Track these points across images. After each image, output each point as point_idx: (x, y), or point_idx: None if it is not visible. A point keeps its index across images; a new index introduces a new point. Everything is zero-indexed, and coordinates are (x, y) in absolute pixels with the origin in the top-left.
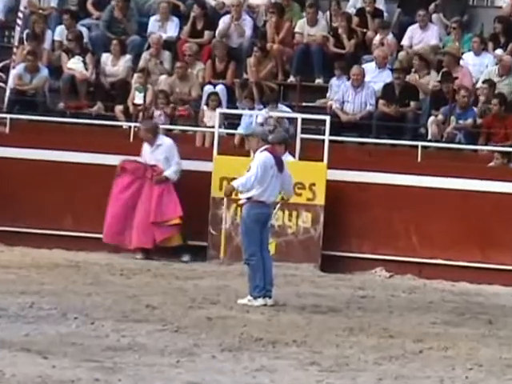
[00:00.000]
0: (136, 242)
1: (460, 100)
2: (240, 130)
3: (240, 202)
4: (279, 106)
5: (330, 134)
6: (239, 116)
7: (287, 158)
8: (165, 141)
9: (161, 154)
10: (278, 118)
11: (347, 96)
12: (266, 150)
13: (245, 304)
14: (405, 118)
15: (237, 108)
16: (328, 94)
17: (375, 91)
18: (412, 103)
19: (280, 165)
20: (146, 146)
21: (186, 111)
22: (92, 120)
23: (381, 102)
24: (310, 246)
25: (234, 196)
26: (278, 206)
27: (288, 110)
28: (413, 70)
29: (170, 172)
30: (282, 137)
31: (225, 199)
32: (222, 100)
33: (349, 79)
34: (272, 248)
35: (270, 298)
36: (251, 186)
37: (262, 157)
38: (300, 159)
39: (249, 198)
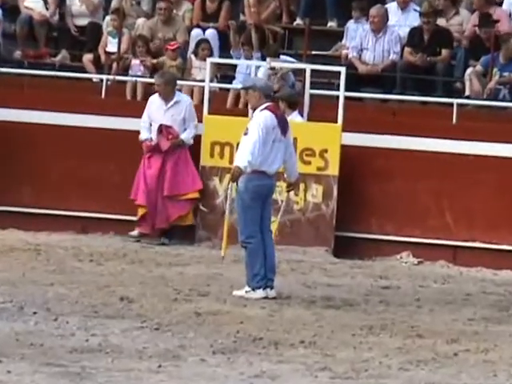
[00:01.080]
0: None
1: (504, 48)
2: (236, 84)
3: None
4: (282, 56)
5: (346, 90)
6: (234, 67)
7: (296, 118)
8: (183, 97)
9: (178, 114)
10: (282, 70)
11: (366, 43)
12: (266, 108)
13: (241, 296)
14: (436, 69)
15: (231, 57)
16: (343, 41)
17: (400, 37)
18: (444, 51)
19: (284, 127)
20: (155, 103)
21: (176, 45)
22: (55, 72)
23: (406, 50)
24: (321, 225)
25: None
26: (286, 196)
27: (293, 60)
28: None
29: (186, 135)
30: (288, 93)
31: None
32: (214, 48)
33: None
34: (274, 228)
35: (271, 288)
36: (257, 157)
37: (262, 117)
38: (309, 120)
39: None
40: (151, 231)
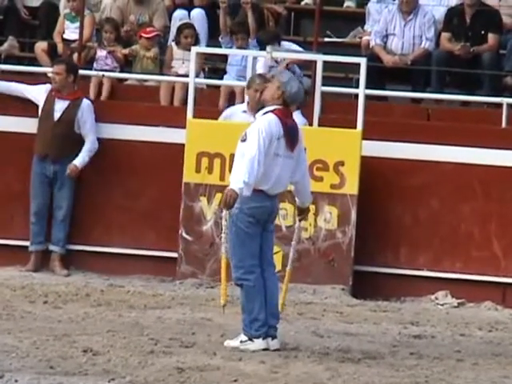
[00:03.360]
0: None
1: None
2: (228, 80)
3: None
4: (285, 43)
5: (368, 86)
6: (225, 58)
7: (295, 118)
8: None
9: None
10: (287, 62)
11: (393, 27)
12: (273, 111)
13: (236, 348)
14: (480, 60)
15: (221, 46)
16: (365, 26)
17: (435, 20)
18: (491, 37)
19: (293, 139)
20: (236, 116)
21: (153, 33)
22: (0, 64)
23: (443, 35)
24: (336, 257)
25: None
26: (297, 232)
27: (301, 49)
28: None
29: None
30: (299, 94)
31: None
32: (201, 34)
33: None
34: (278, 261)
35: (273, 338)
36: (257, 175)
37: (265, 122)
38: (320, 125)
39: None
40: None
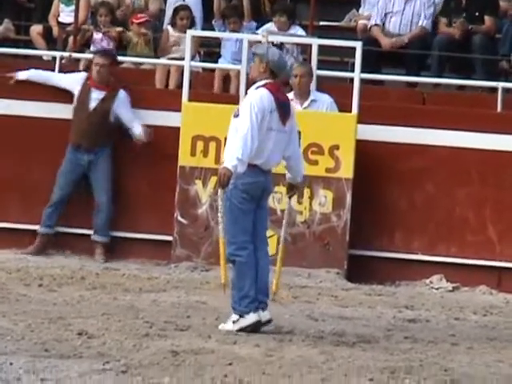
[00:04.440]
0: None
1: None
2: (223, 64)
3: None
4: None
5: (363, 70)
6: (219, 41)
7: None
8: (321, 96)
9: None
10: (283, 44)
11: (392, 5)
12: (265, 86)
13: (229, 331)
14: (473, 44)
15: (215, 30)
16: (360, 10)
17: (435, 1)
18: (487, 19)
19: (285, 113)
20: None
21: (143, 18)
22: None
23: (441, 20)
24: (331, 241)
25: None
26: (288, 208)
27: (301, 31)
28: None
29: None
30: (283, 60)
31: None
32: (196, 17)
33: None
34: (272, 245)
35: (264, 309)
36: (251, 151)
37: (257, 96)
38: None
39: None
40: None
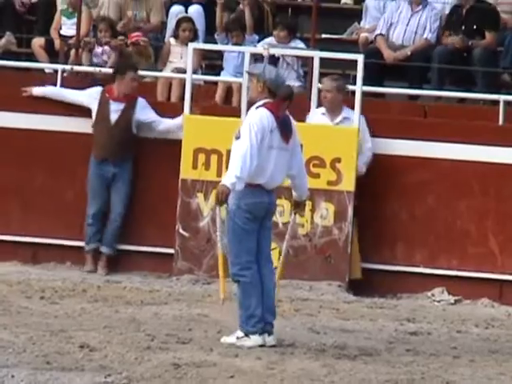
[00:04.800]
0: None
1: None
2: (225, 76)
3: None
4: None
5: (365, 83)
6: (221, 55)
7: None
8: (352, 113)
9: None
10: (284, 58)
11: (398, 15)
12: (264, 105)
13: (232, 344)
14: (473, 57)
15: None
16: (362, 22)
17: (441, 15)
18: (487, 34)
19: (286, 131)
20: (315, 119)
21: (139, 38)
22: None
23: (444, 33)
24: (333, 254)
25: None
26: (292, 220)
27: (302, 45)
28: None
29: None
30: (288, 90)
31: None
32: (199, 29)
33: None
34: (274, 258)
35: (270, 334)
36: (250, 169)
37: (257, 116)
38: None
39: None
40: None
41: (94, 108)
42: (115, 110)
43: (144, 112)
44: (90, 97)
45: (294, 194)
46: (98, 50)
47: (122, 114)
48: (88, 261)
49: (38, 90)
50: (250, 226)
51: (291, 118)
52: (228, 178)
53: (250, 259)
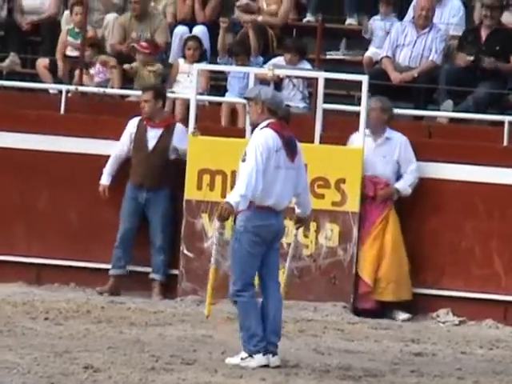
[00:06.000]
0: None
1: None
2: (230, 97)
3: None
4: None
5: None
6: (226, 76)
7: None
8: (395, 135)
9: (390, 155)
10: (289, 78)
11: (404, 37)
12: (269, 125)
13: (236, 365)
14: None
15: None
16: (370, 46)
17: (447, 37)
18: None
19: (292, 150)
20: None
21: (148, 47)
22: (2, 80)
23: (460, 56)
24: (337, 275)
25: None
26: (294, 239)
27: (308, 66)
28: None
29: (402, 184)
30: (286, 111)
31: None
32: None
33: (401, 19)
34: (282, 280)
35: (274, 355)
36: (255, 189)
37: (261, 137)
38: (322, 142)
39: None
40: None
41: (133, 135)
42: (153, 136)
43: (181, 140)
44: (127, 134)
45: (297, 210)
46: (94, 70)
47: (160, 141)
48: (108, 283)
49: (104, 179)
50: (256, 250)
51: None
52: (232, 196)
53: (250, 282)
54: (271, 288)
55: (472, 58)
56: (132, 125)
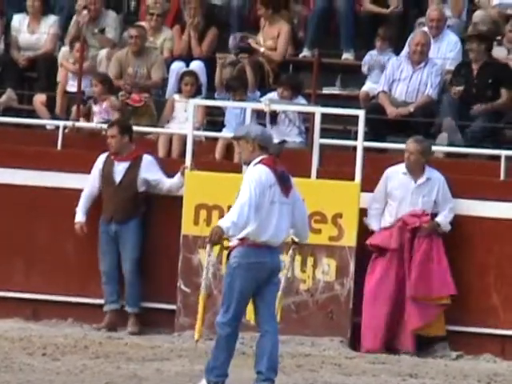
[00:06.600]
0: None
1: None
2: (226, 133)
3: (230, 243)
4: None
5: (367, 138)
6: (223, 112)
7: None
8: (434, 174)
9: (429, 195)
10: (285, 113)
11: (399, 73)
12: (261, 161)
13: None
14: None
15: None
16: (367, 81)
17: (442, 71)
18: (503, 92)
19: (286, 185)
20: (396, 178)
21: (140, 99)
22: None
23: (453, 90)
24: (335, 309)
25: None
26: (290, 260)
27: (304, 101)
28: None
29: (443, 218)
30: (277, 147)
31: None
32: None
33: (397, 54)
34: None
35: None
36: (246, 220)
37: (255, 173)
38: (318, 177)
39: (241, 239)
40: (380, 347)
41: (100, 171)
42: (120, 170)
43: (150, 170)
44: (96, 169)
45: (294, 237)
46: (96, 108)
47: (126, 174)
48: (105, 319)
49: (79, 216)
50: (247, 286)
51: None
52: (224, 221)
53: (235, 318)
54: (268, 324)
55: (463, 88)
56: (100, 160)
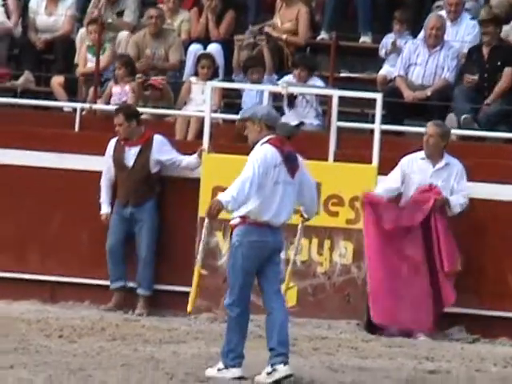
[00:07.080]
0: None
1: None
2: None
3: (232, 222)
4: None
5: (386, 121)
6: (240, 94)
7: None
8: (453, 160)
9: (447, 180)
10: (303, 96)
11: (416, 57)
12: (268, 141)
13: (212, 377)
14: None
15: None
16: (384, 65)
17: (459, 53)
18: (506, 70)
19: (292, 166)
20: (415, 163)
21: (158, 82)
22: (16, 98)
23: (466, 77)
24: (351, 292)
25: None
26: (300, 232)
27: (320, 83)
28: None
29: (455, 198)
30: (289, 129)
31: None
32: (220, 66)
33: (414, 36)
34: (293, 296)
35: (285, 364)
36: (247, 197)
37: (261, 152)
38: (336, 160)
39: (243, 217)
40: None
41: (112, 157)
42: (132, 154)
43: (161, 151)
44: (108, 155)
45: (304, 214)
46: (117, 89)
47: (138, 158)
48: (112, 299)
49: (104, 208)
50: (249, 266)
51: (297, 154)
52: (224, 196)
53: (243, 297)
54: (274, 301)
55: (476, 78)
56: (110, 147)
